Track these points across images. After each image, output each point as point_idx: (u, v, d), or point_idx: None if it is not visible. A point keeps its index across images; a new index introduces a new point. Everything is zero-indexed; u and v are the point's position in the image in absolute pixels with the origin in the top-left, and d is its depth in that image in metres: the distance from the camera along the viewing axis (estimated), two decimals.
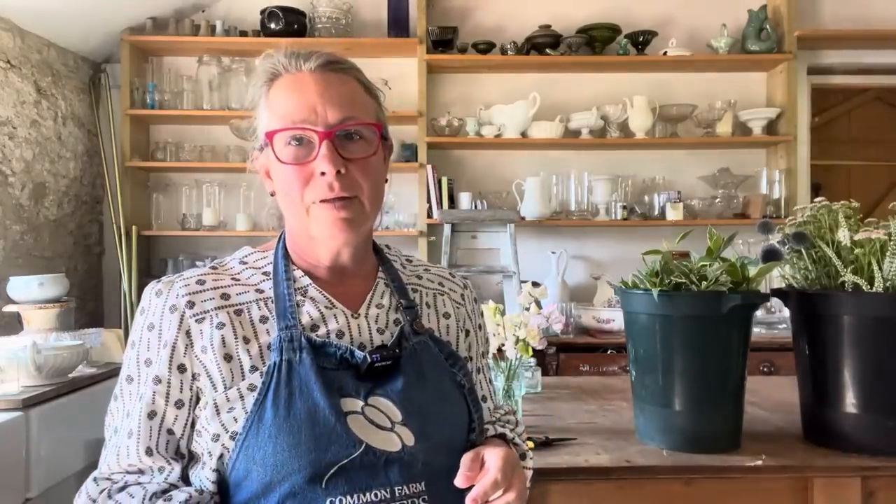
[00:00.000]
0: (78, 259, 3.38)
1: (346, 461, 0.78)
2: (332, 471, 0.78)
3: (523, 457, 0.97)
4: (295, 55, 0.88)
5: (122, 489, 0.82)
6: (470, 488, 0.82)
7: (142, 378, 0.85)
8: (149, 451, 0.83)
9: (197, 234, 3.48)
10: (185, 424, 0.84)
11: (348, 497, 0.78)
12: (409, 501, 0.80)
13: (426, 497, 0.81)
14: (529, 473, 0.97)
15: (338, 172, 0.84)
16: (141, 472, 0.84)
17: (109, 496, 0.82)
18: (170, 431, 0.84)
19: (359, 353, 0.84)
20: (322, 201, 0.85)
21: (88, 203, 3.48)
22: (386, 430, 0.82)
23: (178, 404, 0.84)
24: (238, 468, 0.80)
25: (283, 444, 0.78)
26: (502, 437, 0.96)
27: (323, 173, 0.84)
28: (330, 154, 0.83)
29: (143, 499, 0.80)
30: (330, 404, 0.80)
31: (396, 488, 0.80)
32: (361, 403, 0.83)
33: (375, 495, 0.79)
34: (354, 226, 0.87)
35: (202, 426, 0.83)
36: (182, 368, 0.83)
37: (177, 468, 0.83)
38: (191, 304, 0.85)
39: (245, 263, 0.93)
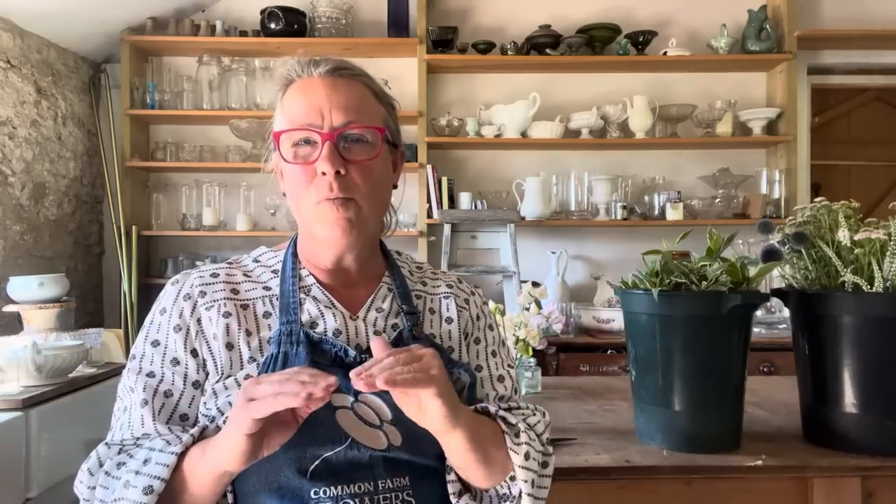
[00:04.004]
0: (78, 259, 3.38)
1: (330, 454, 0.80)
2: (316, 462, 0.80)
3: (517, 434, 0.87)
4: (307, 61, 0.91)
5: (132, 448, 0.84)
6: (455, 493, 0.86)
7: (146, 358, 0.89)
8: (163, 422, 0.85)
9: (197, 234, 3.48)
10: (198, 406, 0.87)
11: (332, 488, 0.80)
12: (393, 495, 0.82)
13: (410, 492, 0.83)
14: (523, 448, 0.86)
15: (337, 173, 0.86)
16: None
17: (119, 453, 0.84)
18: (183, 417, 0.87)
19: (351, 352, 0.87)
20: (325, 200, 0.87)
21: (88, 203, 3.48)
22: (374, 427, 0.84)
23: (196, 385, 0.87)
24: None
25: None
26: (485, 411, 0.89)
27: (324, 173, 0.86)
28: (330, 155, 0.85)
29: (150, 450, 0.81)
30: None
31: (380, 482, 0.82)
32: (352, 399, 0.85)
33: (359, 487, 0.81)
34: (354, 228, 0.88)
35: (201, 412, 0.86)
36: (195, 353, 0.88)
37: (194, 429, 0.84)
38: (203, 294, 0.90)
39: (258, 262, 0.97)
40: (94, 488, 0.82)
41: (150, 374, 0.88)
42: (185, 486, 0.78)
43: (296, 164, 0.88)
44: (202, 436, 0.81)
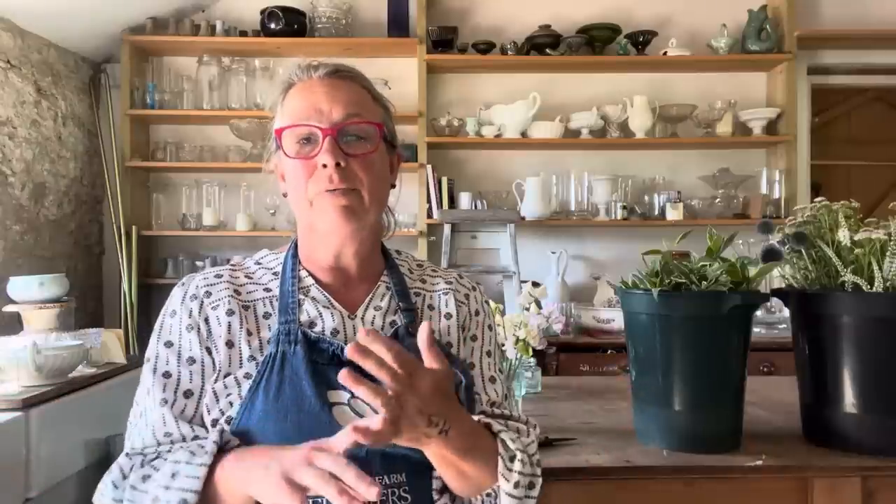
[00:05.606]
0: (78, 259, 3.38)
1: None
2: None
3: (512, 459, 0.85)
4: (307, 66, 0.95)
5: (154, 458, 0.85)
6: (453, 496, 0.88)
7: (161, 359, 0.91)
8: (186, 421, 0.87)
9: (197, 233, 3.48)
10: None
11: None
12: (390, 490, 0.83)
13: (406, 488, 0.84)
14: (514, 477, 0.85)
15: (337, 165, 0.88)
16: (172, 442, 0.86)
17: (142, 465, 0.84)
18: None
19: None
20: (325, 191, 0.89)
21: (88, 203, 3.48)
22: None
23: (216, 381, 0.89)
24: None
25: (271, 428, 0.82)
26: (487, 426, 0.87)
27: (325, 165, 0.89)
28: (331, 148, 0.88)
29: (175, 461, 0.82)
30: (317, 394, 0.84)
31: (377, 477, 0.82)
32: (348, 396, 0.86)
33: None
34: (355, 216, 0.91)
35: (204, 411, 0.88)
36: (209, 351, 0.90)
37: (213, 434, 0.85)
38: (208, 294, 0.93)
39: (260, 264, 1.00)
40: (120, 501, 0.83)
41: (167, 374, 0.89)
42: (216, 497, 0.79)
43: (297, 158, 0.90)
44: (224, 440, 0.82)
